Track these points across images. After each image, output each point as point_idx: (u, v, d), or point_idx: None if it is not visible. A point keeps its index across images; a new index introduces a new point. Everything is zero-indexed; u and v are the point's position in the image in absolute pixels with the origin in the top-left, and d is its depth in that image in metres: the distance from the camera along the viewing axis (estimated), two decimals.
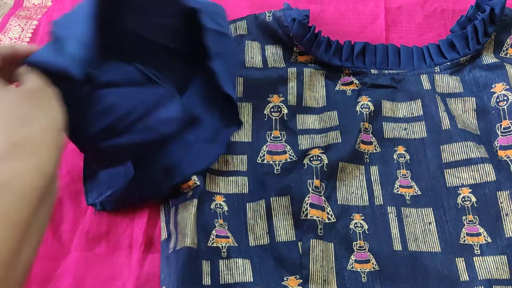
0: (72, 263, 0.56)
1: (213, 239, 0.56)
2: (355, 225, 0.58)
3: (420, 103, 0.66)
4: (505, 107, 0.64)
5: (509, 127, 0.63)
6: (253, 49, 0.71)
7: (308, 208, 0.57)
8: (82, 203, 0.59)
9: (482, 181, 0.58)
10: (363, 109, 0.65)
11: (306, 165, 0.60)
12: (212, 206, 0.59)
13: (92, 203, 0.59)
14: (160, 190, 0.58)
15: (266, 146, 0.64)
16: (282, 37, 0.71)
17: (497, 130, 0.63)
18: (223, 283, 0.54)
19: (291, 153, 0.63)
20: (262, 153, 0.63)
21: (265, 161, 0.62)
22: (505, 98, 0.64)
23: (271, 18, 0.73)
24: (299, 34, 0.70)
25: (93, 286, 0.55)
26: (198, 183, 0.58)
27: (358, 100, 0.67)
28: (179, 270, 0.52)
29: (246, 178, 0.61)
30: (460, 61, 0.68)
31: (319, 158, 0.61)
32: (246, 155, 0.63)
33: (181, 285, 0.51)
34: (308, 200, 0.58)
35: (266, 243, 0.57)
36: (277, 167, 0.62)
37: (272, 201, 0.59)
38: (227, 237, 0.57)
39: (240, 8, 0.77)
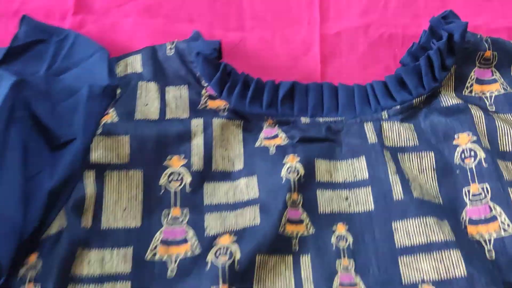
0: None
1: None
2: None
3: (364, 161, 0.51)
4: (473, 165, 0.49)
5: (479, 194, 0.48)
6: (149, 93, 0.54)
7: None
8: None
9: (448, 276, 0.43)
10: (290, 174, 0.49)
11: (209, 264, 0.44)
12: None
13: None
14: None
15: (161, 232, 0.47)
16: (187, 76, 0.55)
17: (465, 197, 0.48)
18: None
19: (194, 242, 0.46)
20: (154, 244, 0.46)
21: (157, 257, 0.45)
22: (473, 153, 0.49)
23: (173, 51, 0.56)
24: (207, 72, 0.54)
25: None
26: None
27: (284, 161, 0.51)
28: None
29: (129, 283, 0.44)
30: (413, 104, 0.53)
31: (229, 252, 0.44)
32: (131, 248, 0.46)
33: None
34: None
35: None
36: (173, 265, 0.45)
37: None
38: None
39: (139, 38, 0.60)
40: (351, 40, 0.61)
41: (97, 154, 0.49)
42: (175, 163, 0.51)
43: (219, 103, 0.54)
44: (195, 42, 0.55)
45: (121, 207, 0.48)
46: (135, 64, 0.56)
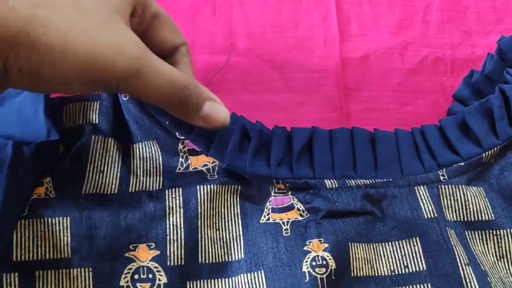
0: None
1: None
2: None
3: (419, 244, 0.35)
4: None
5: None
6: (107, 154, 0.37)
7: None
8: None
9: None
10: (317, 270, 0.33)
11: None
12: None
13: None
14: None
15: None
16: (156, 128, 0.37)
17: None
18: None
19: None
20: None
21: None
22: None
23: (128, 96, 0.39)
24: (180, 123, 0.37)
25: None
26: None
27: (306, 247, 0.34)
28: None
29: None
30: (483, 158, 0.37)
31: None
32: None
33: None
34: None
35: None
36: None
37: None
38: None
39: None
40: (383, 66, 0.44)
41: (23, 247, 0.33)
42: (143, 255, 0.34)
43: (206, 160, 0.37)
44: None
45: None
46: (90, 111, 0.38)
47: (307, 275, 0.33)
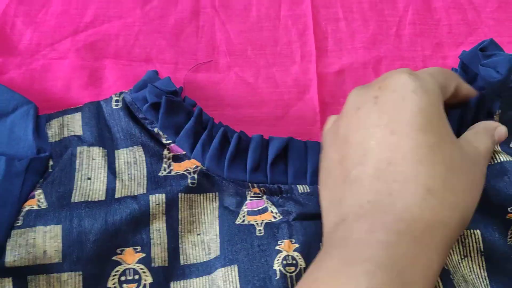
0: None
1: None
2: None
3: None
4: None
5: None
6: (92, 162, 0.40)
7: None
8: None
9: None
10: (287, 269, 0.35)
11: None
12: None
13: None
14: None
15: None
16: (141, 135, 0.40)
17: None
18: None
19: None
20: None
21: None
22: None
23: (119, 104, 0.42)
24: (170, 123, 0.40)
25: None
26: None
27: (277, 246, 0.37)
28: None
29: None
30: None
31: None
32: None
33: None
34: None
35: None
36: None
37: None
38: None
39: (77, 87, 0.45)
40: (358, 79, 0.47)
41: (15, 254, 0.35)
42: (129, 257, 0.37)
43: (188, 165, 0.39)
44: (143, 90, 0.41)
45: None
46: (73, 124, 0.41)
47: (278, 272, 0.35)
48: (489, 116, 0.40)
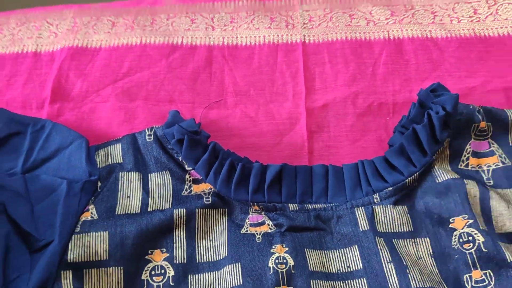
0: None
1: None
2: None
3: (357, 251, 0.47)
4: (472, 251, 0.45)
5: (482, 280, 0.44)
6: (130, 185, 0.52)
7: None
8: None
9: None
10: (279, 266, 0.46)
11: None
12: None
13: None
14: None
15: None
16: (169, 162, 0.52)
17: (467, 285, 0.44)
18: None
19: None
20: None
21: None
22: (471, 238, 0.46)
23: (152, 137, 0.54)
24: (191, 156, 0.51)
25: None
26: None
27: (272, 249, 0.47)
28: None
29: None
30: (407, 183, 0.50)
31: None
32: None
33: None
34: None
35: None
36: None
37: None
38: None
39: (117, 123, 0.58)
40: (339, 112, 0.58)
41: (75, 253, 0.47)
42: (157, 257, 0.48)
43: (204, 187, 0.51)
44: (171, 128, 0.53)
45: None
46: (116, 153, 0.53)
47: (271, 269, 0.46)
48: (437, 143, 0.50)
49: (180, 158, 0.52)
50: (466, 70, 0.60)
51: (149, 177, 0.52)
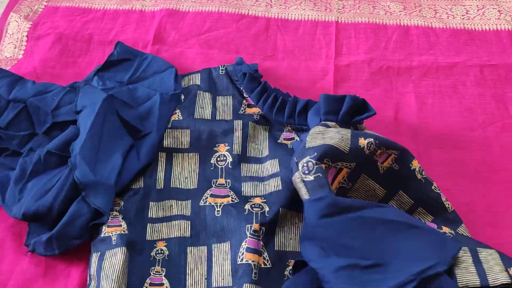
0: None
1: (146, 287, 0.57)
2: (290, 272, 0.59)
3: None
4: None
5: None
6: (204, 100, 0.74)
7: (244, 252, 0.58)
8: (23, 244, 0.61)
9: None
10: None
11: (247, 210, 0.62)
12: (153, 253, 0.60)
13: (27, 244, 0.60)
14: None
15: (210, 190, 0.66)
16: (233, 90, 0.75)
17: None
18: None
19: (234, 197, 0.64)
20: (205, 196, 0.65)
21: (207, 203, 0.64)
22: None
23: (223, 72, 0.77)
24: (249, 87, 0.74)
25: None
26: (126, 231, 0.59)
27: None
28: None
29: (189, 222, 0.63)
30: None
31: (260, 206, 0.62)
32: (190, 200, 0.65)
33: None
34: (245, 244, 0.59)
35: None
36: (218, 209, 0.63)
37: (214, 247, 0.61)
38: (162, 285, 0.58)
39: (198, 63, 0.81)
40: (358, 70, 0.80)
41: (168, 141, 0.70)
42: (222, 149, 0.70)
43: (254, 110, 0.73)
44: (240, 65, 0.76)
45: (184, 176, 0.67)
46: (195, 79, 0.77)
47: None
48: None
49: (241, 88, 0.75)
50: (454, 51, 0.82)
51: (217, 98, 0.75)
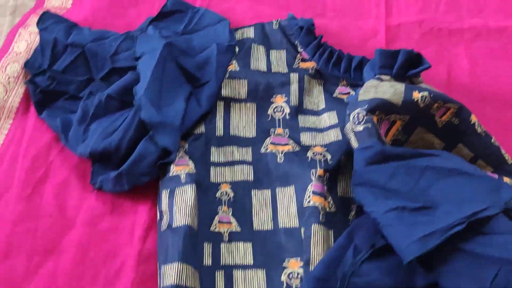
0: (75, 237, 0.57)
1: (215, 225, 0.58)
2: (354, 217, 0.60)
3: None
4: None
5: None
6: (259, 52, 0.75)
7: (311, 195, 0.59)
8: (89, 182, 0.61)
9: None
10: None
11: (309, 158, 0.63)
12: (218, 194, 0.61)
13: (93, 182, 0.61)
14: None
15: (270, 138, 0.66)
16: (287, 44, 0.75)
17: None
18: (223, 264, 0.55)
19: (294, 145, 0.65)
20: (266, 144, 0.66)
21: (268, 150, 0.65)
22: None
23: (277, 26, 0.77)
24: (304, 41, 0.74)
25: (94, 260, 0.56)
26: (194, 170, 0.60)
27: None
28: (179, 245, 0.54)
29: (251, 167, 0.63)
30: None
31: (322, 154, 0.63)
32: (250, 148, 0.65)
33: (181, 260, 0.52)
34: (311, 188, 0.60)
35: (270, 228, 0.59)
36: (280, 155, 0.64)
37: (278, 191, 0.62)
38: (230, 223, 0.59)
39: (248, 19, 0.81)
40: (409, 31, 0.80)
41: (226, 91, 0.71)
42: (279, 100, 0.71)
43: (309, 64, 0.74)
44: (293, 20, 0.76)
45: (242, 125, 0.68)
46: (249, 33, 0.77)
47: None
48: None
49: (296, 42, 0.75)
50: (504, 15, 0.82)
51: (270, 52, 0.75)
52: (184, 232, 0.55)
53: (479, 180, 0.55)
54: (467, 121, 0.63)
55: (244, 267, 0.55)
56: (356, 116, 0.58)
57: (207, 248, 0.56)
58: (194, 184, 0.58)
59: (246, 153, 0.65)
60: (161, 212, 0.58)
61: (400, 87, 0.61)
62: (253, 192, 0.62)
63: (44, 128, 0.66)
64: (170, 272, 0.52)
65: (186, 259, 0.53)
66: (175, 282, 0.51)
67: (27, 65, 0.69)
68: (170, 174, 0.60)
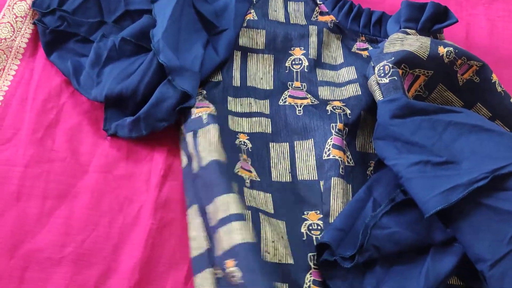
0: (89, 182, 0.55)
1: (238, 169, 0.57)
2: (372, 172, 0.59)
3: None
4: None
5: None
6: (276, 3, 0.72)
7: (331, 148, 0.58)
8: (102, 129, 0.59)
9: None
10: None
11: (329, 111, 0.61)
12: (236, 142, 0.60)
13: (106, 128, 0.59)
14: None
15: (288, 91, 0.65)
16: None
17: None
18: (249, 205, 0.54)
19: (312, 99, 0.64)
20: (284, 97, 0.64)
21: (286, 103, 0.63)
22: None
23: None
24: None
25: (110, 206, 0.54)
26: (215, 112, 0.58)
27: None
28: (220, 179, 0.51)
29: (269, 119, 0.62)
30: None
31: (341, 108, 0.62)
32: (268, 100, 0.64)
33: (230, 192, 0.50)
34: (331, 141, 0.58)
35: (288, 180, 0.58)
36: (299, 108, 0.62)
37: (296, 144, 0.60)
38: (250, 171, 0.58)
39: None
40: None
41: (243, 40, 0.68)
42: (297, 52, 0.69)
43: (327, 18, 0.72)
44: None
45: (259, 77, 0.66)
46: None
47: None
48: None
49: None
50: None
51: (288, 4, 0.73)
52: (217, 166, 0.52)
53: (501, 137, 0.55)
54: (488, 79, 0.62)
55: (267, 213, 0.54)
56: (382, 68, 0.57)
57: (235, 187, 0.54)
58: (216, 124, 0.56)
59: (263, 106, 0.63)
60: (188, 156, 0.56)
61: (426, 40, 0.60)
62: (271, 145, 0.60)
63: (54, 71, 0.63)
64: (227, 204, 0.49)
65: (232, 189, 0.51)
66: (239, 211, 0.49)
67: (35, 4, 0.66)
68: (192, 116, 0.58)
